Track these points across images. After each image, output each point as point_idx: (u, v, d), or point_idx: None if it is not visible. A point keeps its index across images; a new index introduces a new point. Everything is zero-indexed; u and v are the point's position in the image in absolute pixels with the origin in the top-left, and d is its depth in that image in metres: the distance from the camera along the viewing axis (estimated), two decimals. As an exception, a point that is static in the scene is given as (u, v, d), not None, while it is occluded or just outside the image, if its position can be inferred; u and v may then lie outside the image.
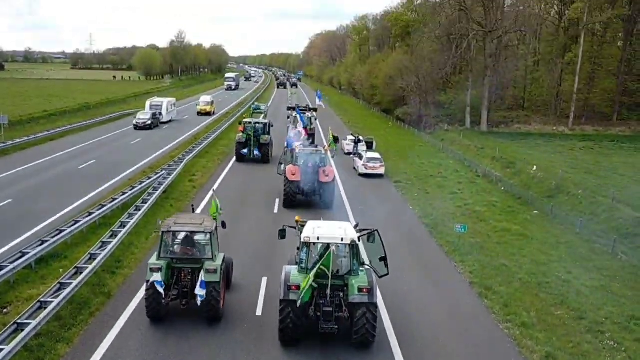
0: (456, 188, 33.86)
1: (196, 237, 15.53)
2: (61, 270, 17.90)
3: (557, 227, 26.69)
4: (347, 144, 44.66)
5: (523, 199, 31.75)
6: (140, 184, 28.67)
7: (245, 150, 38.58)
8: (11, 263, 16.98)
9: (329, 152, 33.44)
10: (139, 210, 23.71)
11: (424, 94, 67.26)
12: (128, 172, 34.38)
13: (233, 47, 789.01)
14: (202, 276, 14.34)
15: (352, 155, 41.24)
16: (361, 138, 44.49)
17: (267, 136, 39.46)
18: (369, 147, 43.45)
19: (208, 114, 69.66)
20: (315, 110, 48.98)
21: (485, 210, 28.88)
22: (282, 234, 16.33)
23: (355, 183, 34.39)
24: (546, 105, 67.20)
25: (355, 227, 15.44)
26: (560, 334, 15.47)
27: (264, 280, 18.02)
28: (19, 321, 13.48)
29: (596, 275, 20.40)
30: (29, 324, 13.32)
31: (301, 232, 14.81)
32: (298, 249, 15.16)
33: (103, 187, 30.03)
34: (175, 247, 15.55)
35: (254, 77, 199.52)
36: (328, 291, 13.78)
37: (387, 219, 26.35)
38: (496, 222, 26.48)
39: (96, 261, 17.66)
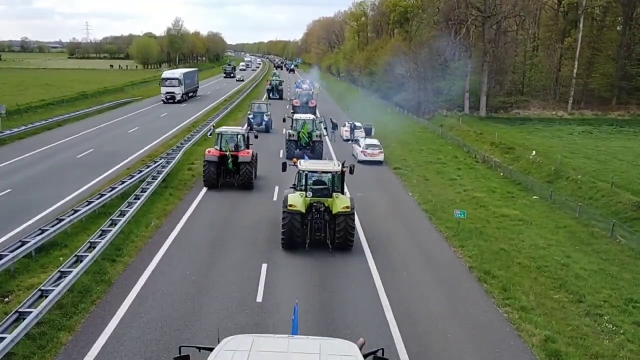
0: (455, 174, 33.89)
1: (261, 105, 49.17)
2: (61, 258, 17.92)
3: (556, 211, 26.75)
4: (346, 131, 44.59)
5: (522, 184, 31.80)
6: (139, 173, 28.65)
7: (271, 94, 74.89)
8: (11, 252, 16.99)
9: (314, 93, 61.58)
10: (138, 199, 23.70)
11: (422, 80, 66.97)
12: (127, 160, 34.36)
13: (231, 35, 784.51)
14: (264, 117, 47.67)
15: (350, 142, 41.20)
16: (356, 124, 44.44)
17: (281, 86, 77.59)
18: (368, 133, 43.35)
19: None
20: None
21: (484, 195, 28.92)
22: (287, 119, 39.37)
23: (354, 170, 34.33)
24: (545, 90, 66.98)
25: (316, 117, 38.21)
26: (559, 317, 15.56)
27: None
28: (20, 310, 13.50)
29: (595, 258, 20.51)
30: (30, 312, 13.35)
31: (293, 115, 38.06)
32: (291, 126, 36.49)
33: (102, 176, 30.05)
34: (255, 109, 48.16)
35: (244, 69, 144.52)
36: (307, 139, 34.83)
37: (387, 205, 26.42)
38: (495, 208, 26.53)
39: (96, 249, 17.69)
